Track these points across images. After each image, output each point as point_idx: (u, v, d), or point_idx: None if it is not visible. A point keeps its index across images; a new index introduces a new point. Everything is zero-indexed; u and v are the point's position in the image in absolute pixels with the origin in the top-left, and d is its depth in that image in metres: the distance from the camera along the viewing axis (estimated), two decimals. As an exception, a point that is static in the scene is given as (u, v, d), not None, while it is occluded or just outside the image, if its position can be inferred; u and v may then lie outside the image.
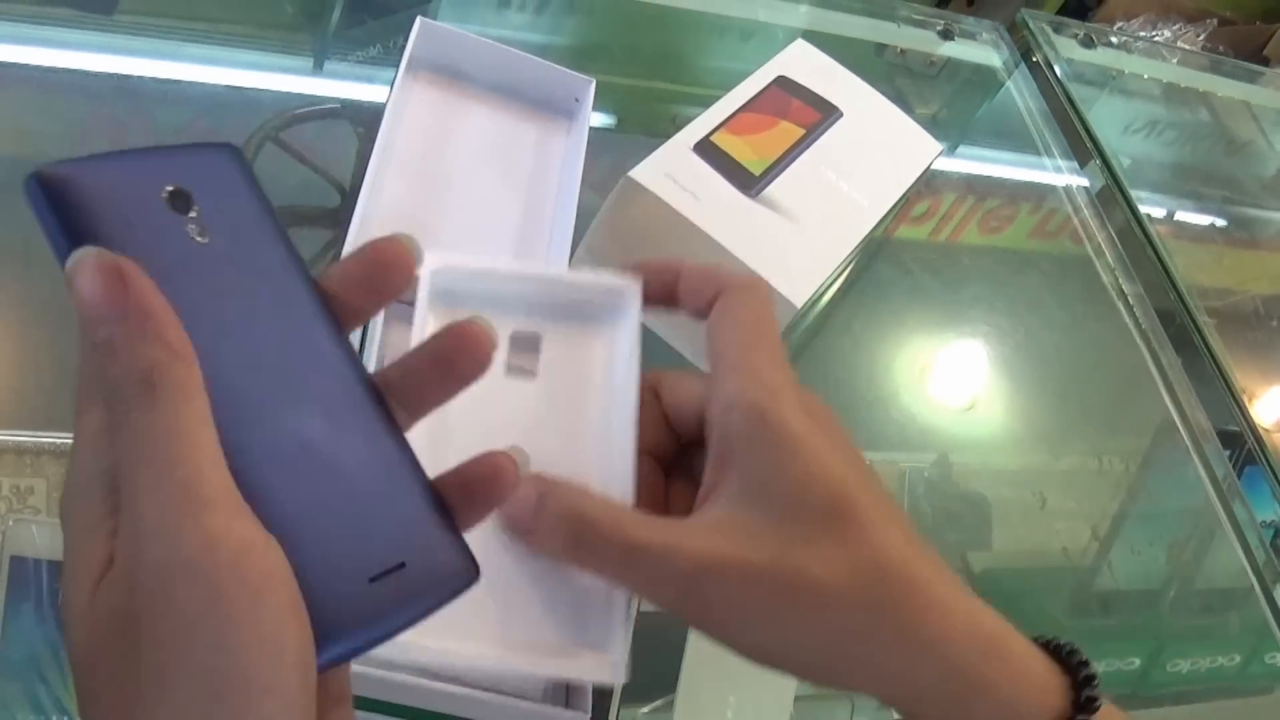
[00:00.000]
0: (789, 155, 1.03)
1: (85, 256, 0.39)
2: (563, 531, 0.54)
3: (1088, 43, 1.53)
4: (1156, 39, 2.98)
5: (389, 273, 0.46)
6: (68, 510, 0.41)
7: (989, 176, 1.46)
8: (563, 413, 0.66)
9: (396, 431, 0.46)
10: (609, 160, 1.05)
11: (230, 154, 0.46)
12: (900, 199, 1.08)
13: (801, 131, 1.06)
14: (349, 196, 1.08)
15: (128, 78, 1.17)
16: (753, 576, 0.52)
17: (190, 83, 1.16)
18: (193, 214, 0.44)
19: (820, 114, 1.09)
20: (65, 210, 0.41)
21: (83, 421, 0.42)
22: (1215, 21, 3.66)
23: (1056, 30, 1.50)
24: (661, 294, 0.63)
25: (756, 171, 1.00)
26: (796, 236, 0.97)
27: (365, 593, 0.42)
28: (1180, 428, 1.22)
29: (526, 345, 0.68)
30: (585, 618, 0.57)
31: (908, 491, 1.10)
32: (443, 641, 0.55)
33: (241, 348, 0.43)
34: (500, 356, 0.66)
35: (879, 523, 0.54)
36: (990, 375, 1.23)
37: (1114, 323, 1.30)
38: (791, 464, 0.53)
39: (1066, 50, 1.49)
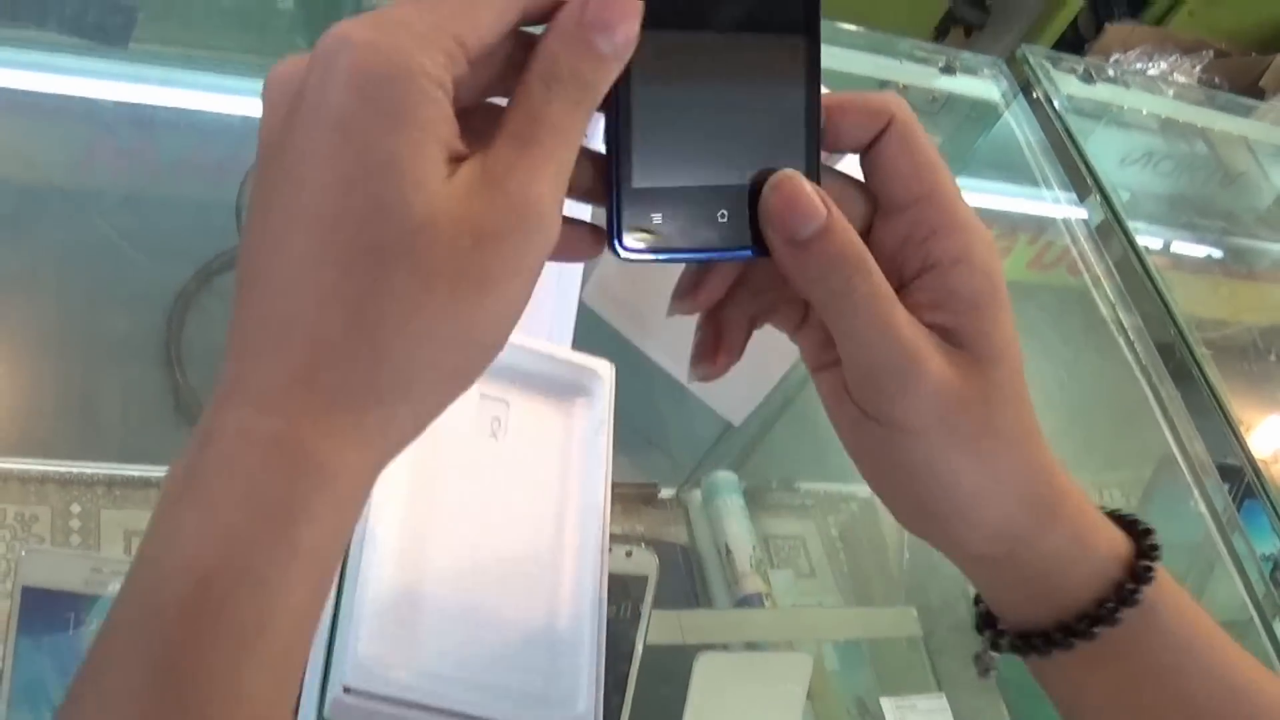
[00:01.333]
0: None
1: None
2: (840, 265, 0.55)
3: (1087, 78, 1.54)
4: (1153, 71, 3.00)
5: None
6: (399, 87, 0.44)
7: (988, 209, 1.48)
8: (534, 482, 0.68)
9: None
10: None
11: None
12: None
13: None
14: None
15: (139, 106, 1.17)
16: (961, 400, 0.56)
17: (202, 112, 1.17)
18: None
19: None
20: None
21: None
22: (1211, 53, 3.67)
23: (1055, 65, 1.51)
24: None
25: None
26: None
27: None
28: (1180, 461, 1.22)
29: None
30: (560, 670, 0.58)
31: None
32: (428, 680, 0.56)
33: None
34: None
35: (1030, 401, 0.59)
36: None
37: (1113, 355, 1.30)
38: (1004, 326, 0.57)
39: (1065, 85, 1.50)
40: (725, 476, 1.45)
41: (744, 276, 0.61)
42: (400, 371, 0.44)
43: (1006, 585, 0.61)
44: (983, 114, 1.50)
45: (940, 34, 3.49)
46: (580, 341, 0.89)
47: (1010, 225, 1.47)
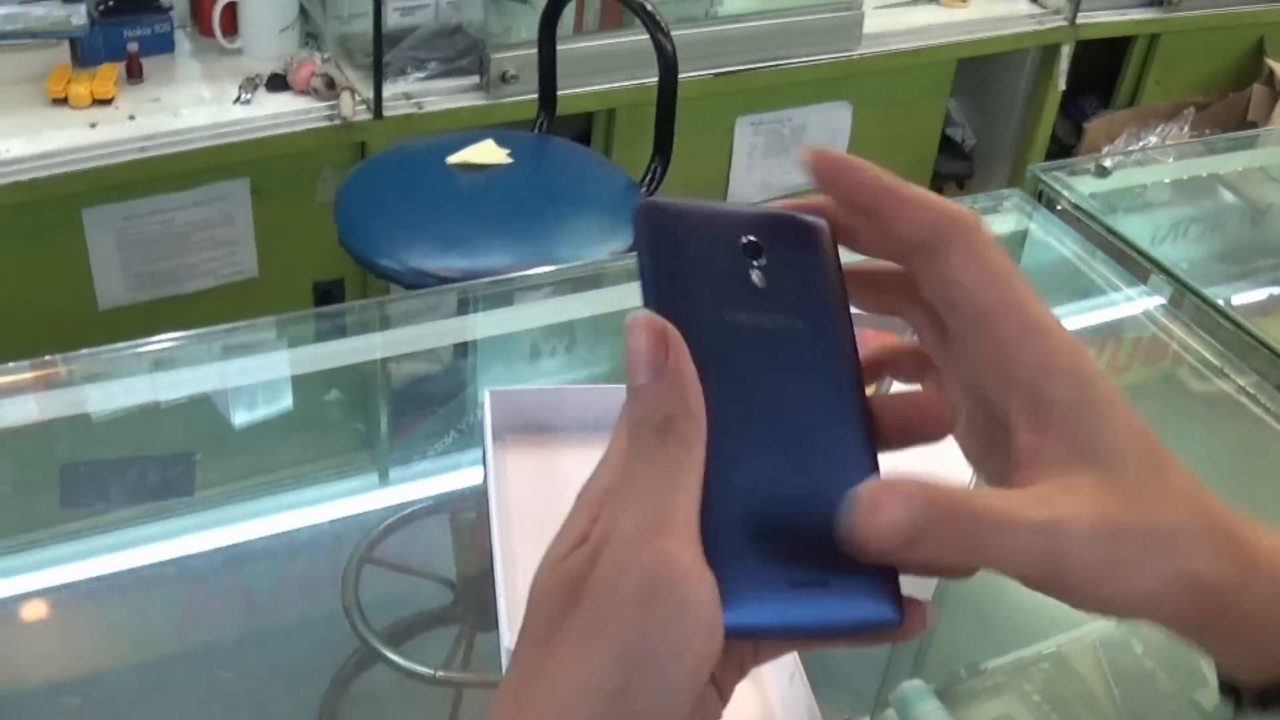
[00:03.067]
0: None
1: (641, 316, 0.50)
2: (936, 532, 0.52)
3: (1100, 173, 1.54)
4: (1147, 148, 3.01)
5: None
6: (581, 491, 0.52)
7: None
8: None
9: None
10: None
11: (817, 228, 0.55)
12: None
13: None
14: (461, 587, 1.08)
15: (221, 549, 1.17)
16: (1112, 529, 0.53)
17: (281, 534, 1.18)
18: (760, 262, 0.53)
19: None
20: (656, 238, 0.52)
21: (614, 439, 0.52)
22: (1192, 110, 3.69)
23: (1071, 173, 1.51)
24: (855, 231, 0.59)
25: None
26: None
27: (781, 591, 0.50)
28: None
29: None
30: None
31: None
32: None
33: (755, 398, 0.52)
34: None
35: (1180, 466, 0.56)
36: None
37: (1245, 416, 1.27)
38: (1112, 423, 0.54)
39: (1084, 186, 1.50)
40: (913, 686, 1.41)
41: None
42: None
43: (1228, 648, 0.58)
44: (1016, 242, 1.49)
45: (934, 194, 3.51)
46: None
47: (1097, 336, 1.44)
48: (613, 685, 0.48)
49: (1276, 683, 0.58)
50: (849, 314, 0.54)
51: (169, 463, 1.16)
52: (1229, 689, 0.61)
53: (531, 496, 1.00)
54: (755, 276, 0.53)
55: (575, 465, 1.03)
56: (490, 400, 1.01)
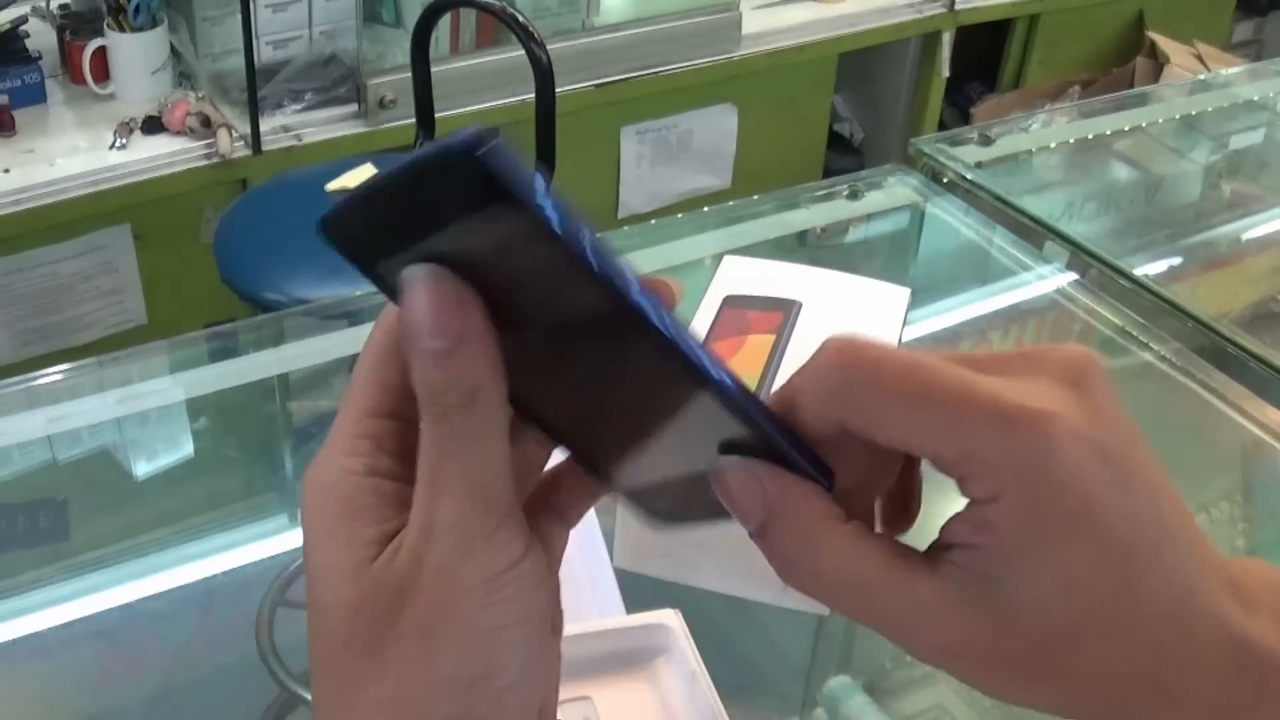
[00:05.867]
0: (771, 362, 0.99)
1: (421, 274, 0.44)
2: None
3: (985, 141, 1.52)
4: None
5: None
6: (321, 498, 0.48)
7: (978, 315, 1.44)
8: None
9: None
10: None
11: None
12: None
13: (772, 337, 1.02)
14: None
15: (124, 607, 1.15)
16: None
17: (179, 588, 1.16)
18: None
19: (781, 313, 1.05)
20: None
21: (343, 420, 0.49)
22: (1077, 87, 3.71)
23: (952, 144, 1.49)
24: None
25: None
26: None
27: None
28: (1267, 436, 1.17)
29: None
30: None
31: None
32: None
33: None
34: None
35: None
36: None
37: (1160, 379, 1.25)
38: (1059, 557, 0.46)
39: (969, 155, 1.48)
40: (840, 683, 1.38)
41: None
42: None
43: None
44: (910, 218, 1.47)
45: (826, 191, 3.51)
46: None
47: (1007, 314, 1.43)
48: (467, 674, 0.46)
49: None
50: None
51: (32, 509, 1.12)
52: None
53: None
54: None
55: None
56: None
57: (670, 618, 0.77)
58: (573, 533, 0.87)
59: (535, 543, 0.47)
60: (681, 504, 0.52)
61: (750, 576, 0.94)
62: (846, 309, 1.06)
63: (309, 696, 1.03)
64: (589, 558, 0.93)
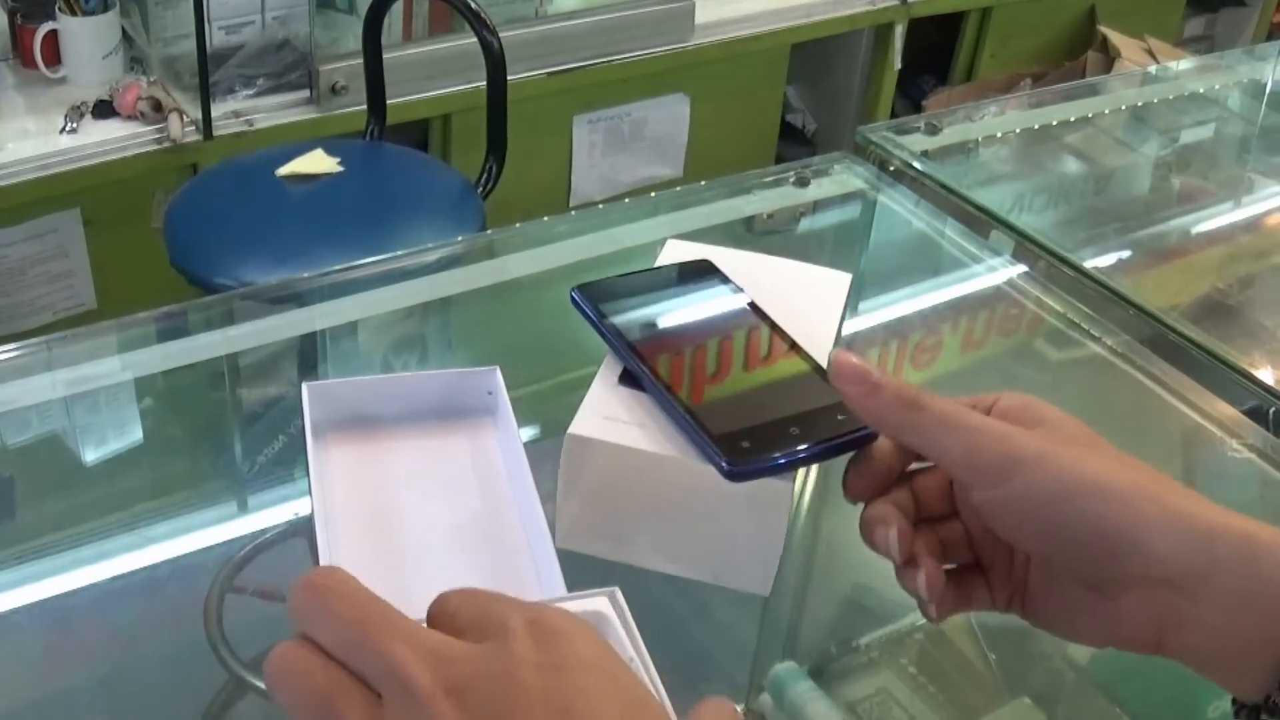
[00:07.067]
0: (711, 345, 0.99)
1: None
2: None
3: (931, 130, 1.52)
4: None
5: None
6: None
7: (928, 306, 1.44)
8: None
9: None
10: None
11: None
12: (837, 341, 1.04)
13: (714, 322, 1.02)
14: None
15: (72, 593, 1.13)
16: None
17: (127, 573, 1.14)
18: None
19: (724, 299, 1.05)
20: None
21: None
22: (1029, 81, 3.73)
23: (899, 132, 1.49)
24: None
25: (692, 376, 0.96)
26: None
27: None
28: (1210, 426, 1.18)
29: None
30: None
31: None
32: None
33: None
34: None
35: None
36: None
37: (1107, 370, 1.26)
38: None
39: (916, 144, 1.48)
40: (786, 668, 1.39)
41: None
42: None
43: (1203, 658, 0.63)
44: (858, 206, 1.48)
45: (778, 181, 3.52)
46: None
47: (955, 308, 1.43)
48: None
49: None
50: None
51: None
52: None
53: (359, 494, 0.96)
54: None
55: (401, 456, 0.99)
56: (308, 395, 0.97)
57: (603, 603, 0.74)
58: (515, 515, 0.88)
59: None
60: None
61: (690, 557, 0.95)
62: (788, 294, 1.06)
63: (257, 683, 1.03)
64: (531, 539, 0.92)
